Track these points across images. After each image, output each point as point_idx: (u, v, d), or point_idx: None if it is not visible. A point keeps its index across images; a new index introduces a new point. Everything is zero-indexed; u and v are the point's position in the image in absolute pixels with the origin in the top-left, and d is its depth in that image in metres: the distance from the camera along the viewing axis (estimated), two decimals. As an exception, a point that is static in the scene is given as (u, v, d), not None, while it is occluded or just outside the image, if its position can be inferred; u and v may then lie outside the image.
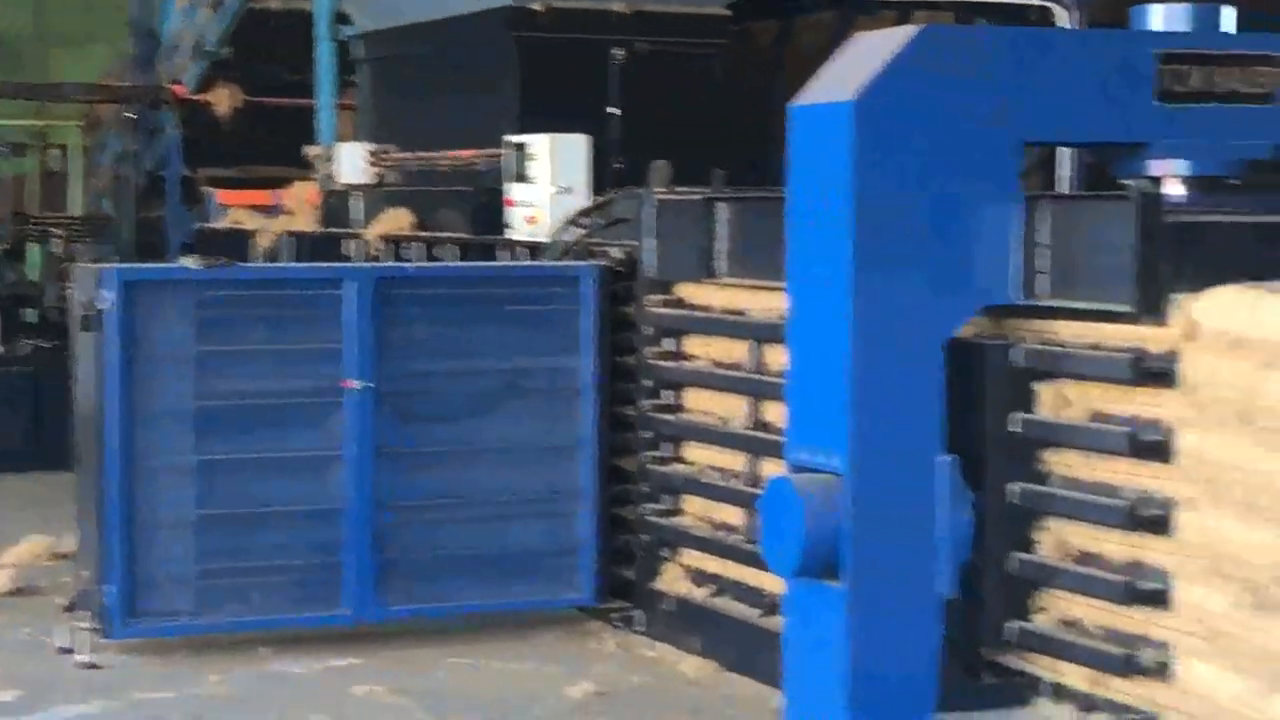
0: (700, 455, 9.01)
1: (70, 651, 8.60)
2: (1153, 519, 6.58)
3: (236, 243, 13.27)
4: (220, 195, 14.48)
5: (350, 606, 8.87)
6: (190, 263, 9.63)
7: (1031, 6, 10.99)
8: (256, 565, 8.78)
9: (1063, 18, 10.91)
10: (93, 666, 8.46)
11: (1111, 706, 6.78)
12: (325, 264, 11.11)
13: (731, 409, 8.72)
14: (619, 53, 11.10)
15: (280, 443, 8.82)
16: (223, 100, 15.55)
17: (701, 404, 9.03)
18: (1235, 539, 6.25)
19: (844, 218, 6.77)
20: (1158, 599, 6.58)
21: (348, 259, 11.56)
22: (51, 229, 16.89)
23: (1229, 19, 7.63)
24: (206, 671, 8.39)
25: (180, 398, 8.66)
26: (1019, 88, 7.01)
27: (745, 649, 8.21)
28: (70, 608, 8.87)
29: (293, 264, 12.25)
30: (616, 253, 9.47)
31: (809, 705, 7.05)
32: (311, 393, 8.85)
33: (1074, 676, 6.94)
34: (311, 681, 8.27)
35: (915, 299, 6.85)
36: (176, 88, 15.87)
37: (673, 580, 9.05)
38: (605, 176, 10.46)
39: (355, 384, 8.81)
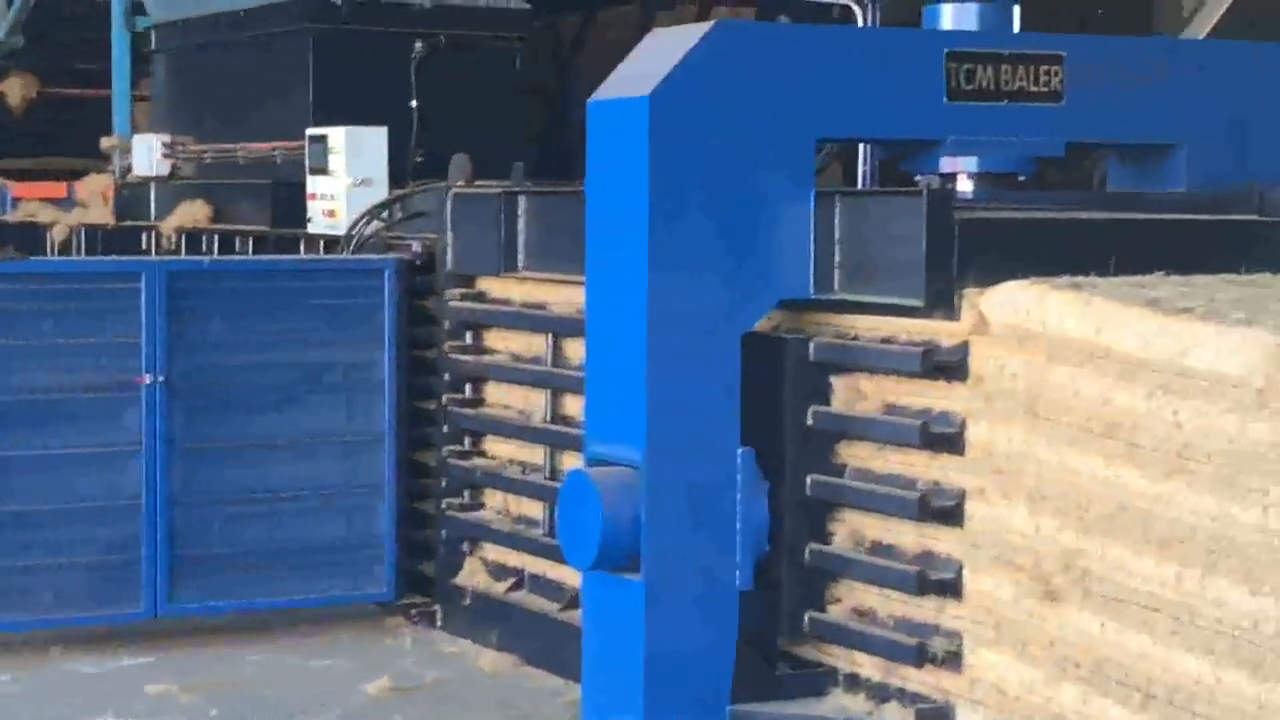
0: (501, 449, 9.00)
1: None
2: (944, 510, 6.64)
3: (30, 235, 13.14)
4: (13, 188, 14.33)
5: (145, 603, 8.74)
6: (-41, 254, 9.56)
7: (834, 5, 11.04)
8: (48, 563, 8.62)
9: (860, 17, 10.99)
10: None
11: (903, 696, 6.85)
12: (119, 257, 10.94)
13: (532, 403, 8.72)
14: (419, 45, 11.05)
15: (73, 438, 8.66)
16: (15, 90, 15.40)
17: (502, 398, 9.03)
18: (1023, 529, 6.36)
19: (640, 212, 6.82)
20: (949, 589, 6.65)
21: (144, 252, 11.42)
22: None
23: (1016, 18, 7.82)
24: (4, 672, 8.26)
25: None
26: (814, 84, 7.08)
27: (545, 643, 8.21)
28: None
29: (86, 258, 12.07)
30: (416, 246, 9.45)
31: (606, 698, 7.09)
32: (105, 387, 8.71)
33: (868, 666, 6.99)
34: (104, 680, 8.15)
35: (712, 293, 6.90)
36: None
37: (472, 575, 9.02)
38: (406, 170, 10.45)
39: (148, 379, 8.69)
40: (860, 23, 10.96)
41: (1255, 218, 7.35)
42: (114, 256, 11.26)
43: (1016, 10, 7.79)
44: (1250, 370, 5.56)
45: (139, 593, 8.73)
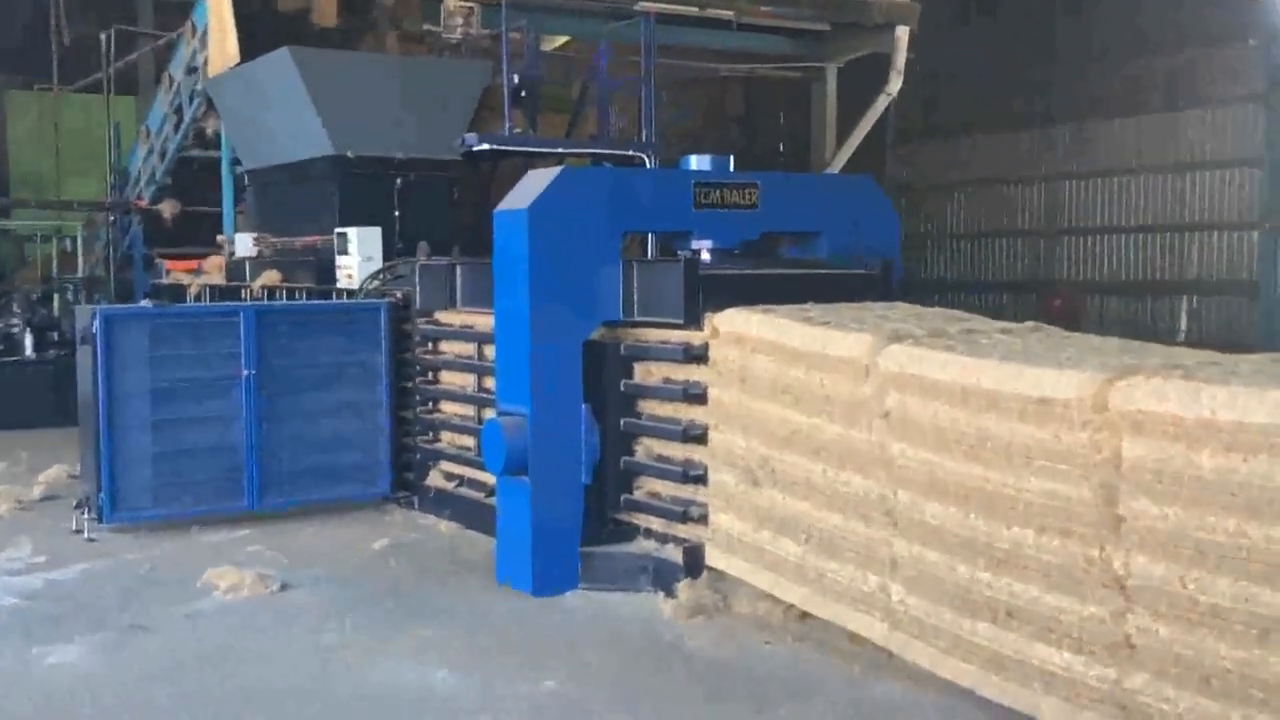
0: (449, 408, 8.81)
1: (79, 532, 8.16)
2: (696, 436, 6.64)
3: (177, 292, 12.83)
4: (167, 264, 13.98)
5: (247, 501, 8.53)
6: (145, 304, 9.31)
7: (633, 156, 10.98)
8: (190, 480, 8.38)
9: (647, 161, 10.95)
10: (92, 540, 8.04)
11: (676, 539, 6.80)
12: (228, 303, 10.63)
13: (466, 381, 8.57)
14: (398, 180, 10.82)
15: (203, 408, 8.39)
16: (167, 209, 14.96)
17: (449, 379, 8.81)
18: (737, 447, 6.33)
19: (524, 273, 6.74)
20: (700, 480, 6.65)
21: (241, 300, 11.21)
22: (66, 285, 16.21)
23: (732, 163, 7.79)
24: (160, 541, 8.03)
25: (140, 383, 8.19)
26: (619, 200, 6.99)
27: (476, 517, 8.05)
28: (78, 506, 8.39)
29: (206, 304, 11.66)
30: (399, 294, 9.21)
31: (511, 546, 6.99)
32: (221, 378, 8.44)
33: (657, 524, 6.95)
34: (221, 545, 7.94)
35: (565, 318, 6.81)
36: (138, 202, 15.20)
37: (435, 479, 8.83)
38: (392, 251, 10.17)
39: (245, 372, 8.46)
40: (647, 165, 10.93)
41: (863, 272, 7.28)
42: (225, 303, 10.95)
43: (731, 159, 7.74)
44: (860, 355, 5.59)
45: (242, 495, 8.51)
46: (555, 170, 6.85)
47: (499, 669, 5.61)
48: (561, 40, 14.00)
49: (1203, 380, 4.37)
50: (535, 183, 6.85)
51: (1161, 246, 18.56)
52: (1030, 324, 6.08)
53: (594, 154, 11.35)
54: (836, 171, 16.18)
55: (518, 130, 10.37)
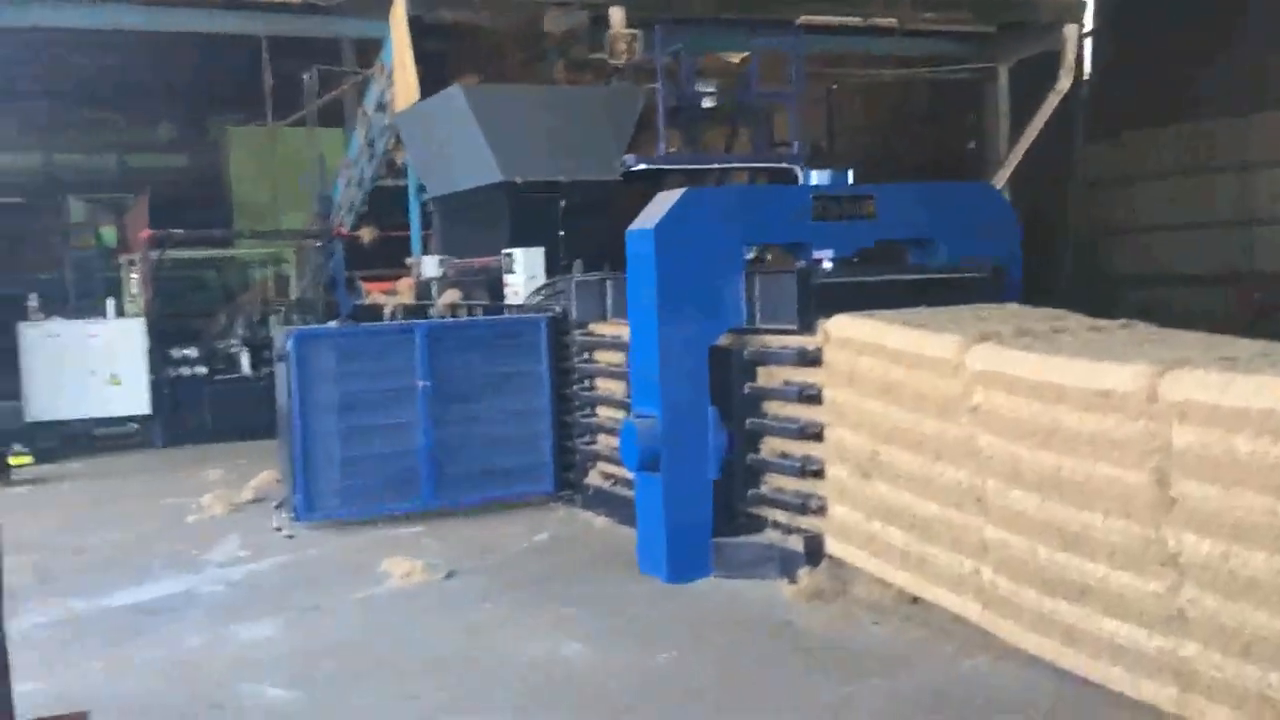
0: (605, 412, 9.29)
1: (279, 529, 9.03)
2: (814, 433, 7.01)
3: (375, 311, 13.71)
4: (366, 286, 14.88)
5: (423, 499, 9.18)
6: (334, 324, 10.27)
7: (785, 169, 11.07)
8: (372, 482, 9.08)
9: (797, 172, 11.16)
10: (290, 536, 8.88)
11: (799, 531, 7.18)
12: (403, 322, 11.28)
13: (618, 388, 9.05)
14: (562, 203, 11.31)
15: (384, 417, 9.07)
16: (366, 234, 15.96)
17: (604, 386, 9.30)
18: (849, 442, 6.72)
19: (653, 286, 7.24)
20: (818, 474, 7.01)
21: (429, 317, 11.90)
22: (279, 307, 17.34)
23: (851, 177, 8.15)
24: (349, 535, 8.80)
25: (330, 395, 8.94)
26: (743, 215, 7.42)
27: (628, 512, 8.32)
28: (279, 506, 9.28)
29: (386, 323, 12.20)
30: (559, 308, 9.71)
31: (649, 537, 7.48)
32: (400, 389, 9.11)
33: (781, 516, 7.35)
34: (400, 537, 8.65)
35: (691, 326, 7.27)
36: (341, 229, 16.32)
37: (593, 478, 9.32)
38: (555, 269, 10.62)
39: (421, 383, 9.13)
40: (798, 177, 11.26)
41: (975, 275, 7.53)
42: (402, 321, 11.57)
43: (851, 173, 8.08)
44: (951, 355, 5.95)
45: (419, 493, 9.15)
46: (680, 191, 7.36)
47: (624, 643, 6.27)
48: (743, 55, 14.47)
49: (1241, 372, 4.71)
50: (662, 203, 7.37)
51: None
52: (1121, 321, 6.37)
53: (748, 168, 11.83)
54: (1010, 169, 16.33)
55: (672, 150, 10.98)
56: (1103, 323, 6.42)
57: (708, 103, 11.95)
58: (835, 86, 19.91)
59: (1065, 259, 18.91)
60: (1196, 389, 4.79)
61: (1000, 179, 15.41)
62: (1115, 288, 19.24)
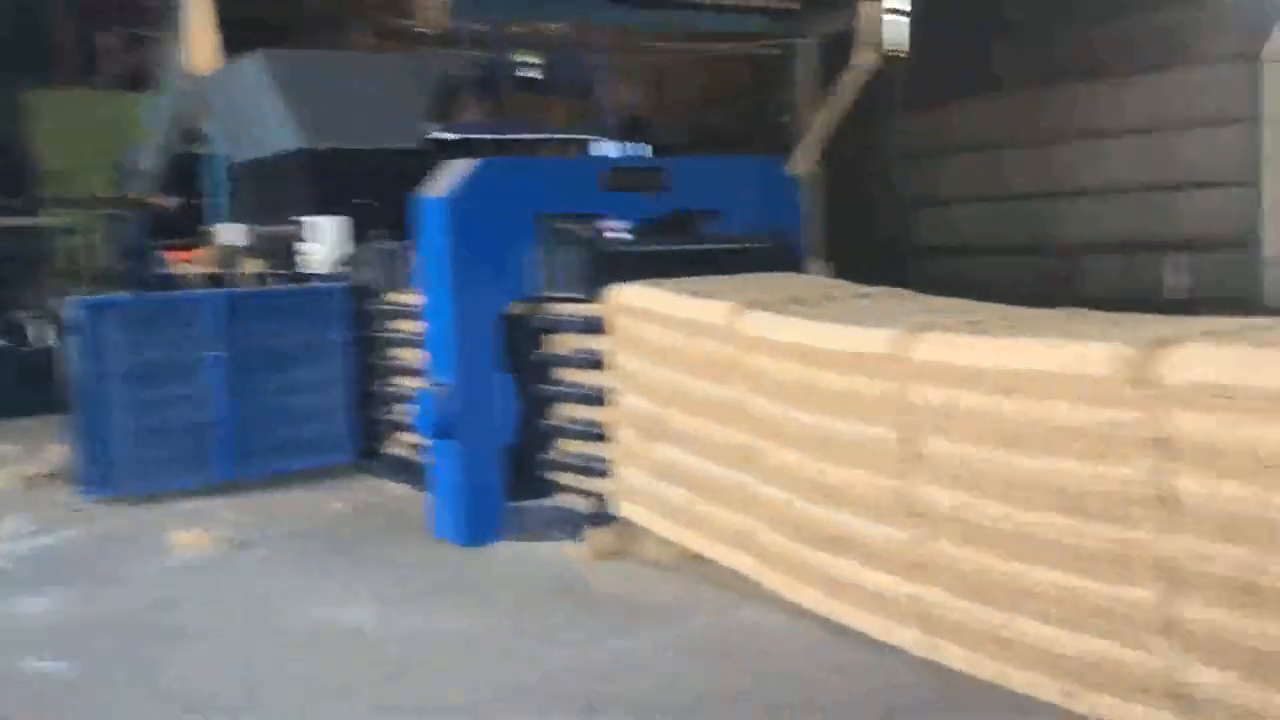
0: (403, 382, 9.19)
1: (70, 505, 8.81)
2: (601, 398, 7.17)
3: (177, 281, 13.40)
4: (168, 255, 14.60)
5: (219, 473, 9.06)
6: (123, 293, 10.00)
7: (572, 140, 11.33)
8: (167, 455, 8.92)
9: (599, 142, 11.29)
10: (78, 510, 8.68)
11: (586, 492, 7.39)
12: (197, 290, 11.11)
13: (413, 357, 8.91)
14: (363, 171, 10.99)
15: (178, 388, 8.90)
16: (166, 203, 15.63)
17: (401, 355, 9.21)
18: (635, 406, 6.91)
19: (446, 254, 7.30)
20: (607, 438, 7.18)
21: (227, 286, 11.56)
22: (87, 277, 16.86)
23: (645, 150, 8.27)
24: (144, 510, 8.65)
25: (119, 365, 8.76)
26: (533, 187, 7.53)
27: (425, 480, 8.20)
28: (68, 481, 9.07)
29: (179, 292, 11.88)
30: (365, 278, 9.55)
31: (446, 501, 7.55)
32: (195, 360, 8.97)
33: (570, 479, 7.50)
34: (198, 510, 8.56)
35: (484, 294, 7.33)
36: (146, 197, 15.90)
37: (391, 447, 9.30)
38: (363, 237, 10.27)
39: (214, 354, 9.01)
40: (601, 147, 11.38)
41: (758, 245, 7.72)
42: (196, 290, 11.43)
43: (646, 147, 8.19)
44: (725, 321, 6.18)
45: (216, 466, 9.02)
46: (474, 161, 7.42)
47: (412, 606, 6.37)
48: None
49: (985, 334, 5.04)
50: (456, 171, 7.40)
51: (1152, 205, 18.87)
52: (887, 289, 6.71)
53: (554, 140, 11.90)
54: (816, 143, 16.74)
55: (476, 119, 11.01)
56: (871, 290, 6.74)
57: (526, 73, 11.94)
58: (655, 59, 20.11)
59: (874, 230, 19.51)
60: (938, 350, 5.11)
61: (802, 153, 15.75)
62: (921, 258, 19.95)
